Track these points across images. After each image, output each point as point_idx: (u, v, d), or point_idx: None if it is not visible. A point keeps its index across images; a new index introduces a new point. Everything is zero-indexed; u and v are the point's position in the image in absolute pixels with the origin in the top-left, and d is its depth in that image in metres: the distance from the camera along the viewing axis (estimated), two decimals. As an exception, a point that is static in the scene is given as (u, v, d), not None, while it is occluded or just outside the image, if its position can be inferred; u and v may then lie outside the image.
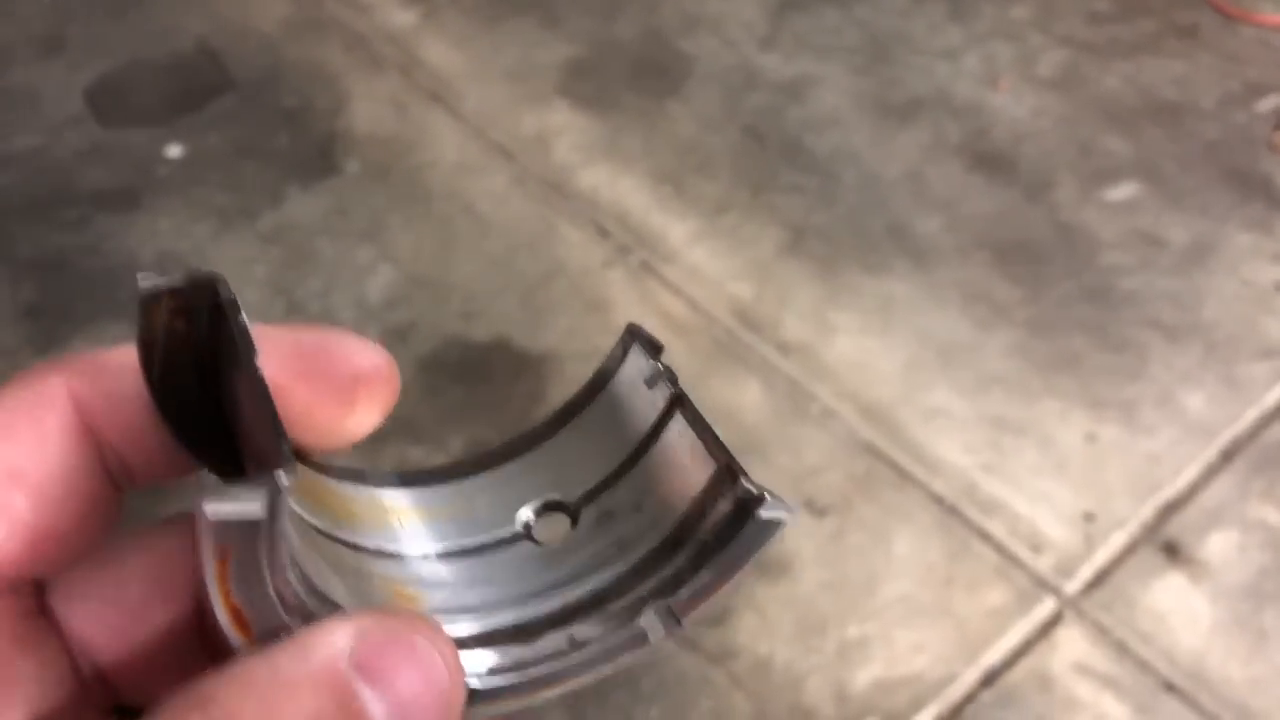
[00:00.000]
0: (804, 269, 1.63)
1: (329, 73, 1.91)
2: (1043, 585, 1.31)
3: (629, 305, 1.58)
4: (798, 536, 1.34)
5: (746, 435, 1.43)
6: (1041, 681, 1.24)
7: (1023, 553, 1.34)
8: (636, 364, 0.35)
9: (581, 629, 0.32)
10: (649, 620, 0.31)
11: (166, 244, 1.67)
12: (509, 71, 1.91)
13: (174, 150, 1.80)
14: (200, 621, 0.31)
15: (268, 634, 0.27)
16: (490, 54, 1.94)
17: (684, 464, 0.33)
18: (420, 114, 1.85)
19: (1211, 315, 1.57)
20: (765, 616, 1.29)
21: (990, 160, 1.77)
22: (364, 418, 0.31)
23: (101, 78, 1.91)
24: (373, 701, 0.26)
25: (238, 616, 0.26)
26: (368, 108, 1.86)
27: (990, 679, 1.25)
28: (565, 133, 1.82)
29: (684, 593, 0.31)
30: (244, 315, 0.29)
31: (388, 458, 1.41)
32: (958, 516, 1.37)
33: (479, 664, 0.31)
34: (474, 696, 0.30)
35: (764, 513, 0.31)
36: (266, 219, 1.70)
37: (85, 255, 1.66)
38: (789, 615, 1.29)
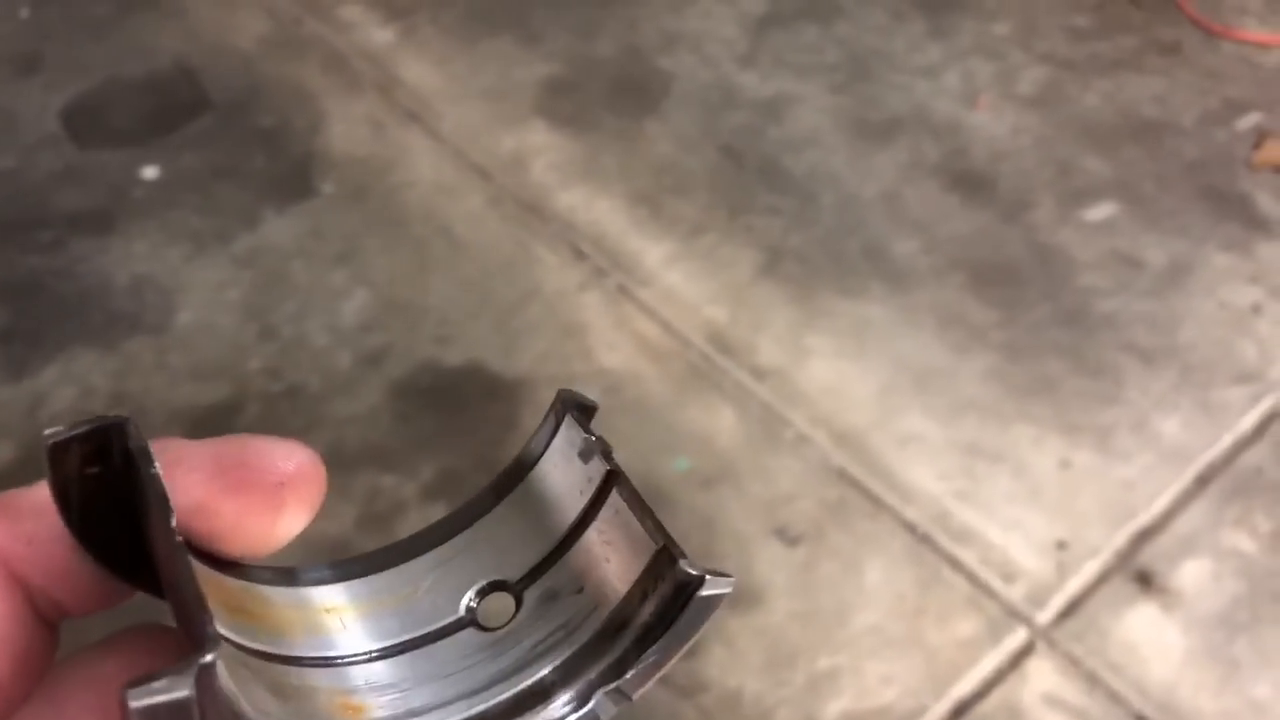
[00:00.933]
0: (780, 292, 1.62)
1: (307, 92, 1.91)
2: (1014, 615, 1.31)
3: (604, 329, 1.58)
4: (769, 566, 1.34)
5: (720, 462, 1.42)
6: (1012, 713, 1.24)
7: (995, 582, 1.33)
8: (569, 434, 0.34)
9: (531, 718, 0.32)
10: (600, 702, 0.32)
11: (141, 268, 1.66)
12: (487, 90, 1.91)
13: (149, 172, 1.79)
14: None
15: None
16: (469, 73, 1.93)
17: (622, 544, 0.33)
18: (398, 134, 1.85)
19: (1188, 338, 1.56)
20: (735, 648, 1.28)
21: (968, 180, 1.76)
22: (293, 521, 0.31)
23: (78, 98, 1.90)
24: None
25: None
26: (345, 128, 1.85)
27: (960, 711, 1.24)
28: (543, 152, 1.81)
29: (631, 673, 0.32)
30: (156, 466, 0.28)
31: (359, 487, 1.40)
32: (930, 545, 1.36)
33: None
34: None
35: (704, 591, 0.31)
36: (241, 242, 1.69)
37: (59, 279, 1.65)
38: (759, 647, 1.28)
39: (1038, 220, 1.71)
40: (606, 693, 0.32)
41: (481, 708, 0.32)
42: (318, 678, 0.32)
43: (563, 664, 0.33)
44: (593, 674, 0.32)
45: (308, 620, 0.33)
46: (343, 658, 0.33)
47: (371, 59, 1.96)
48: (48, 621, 0.30)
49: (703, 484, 1.40)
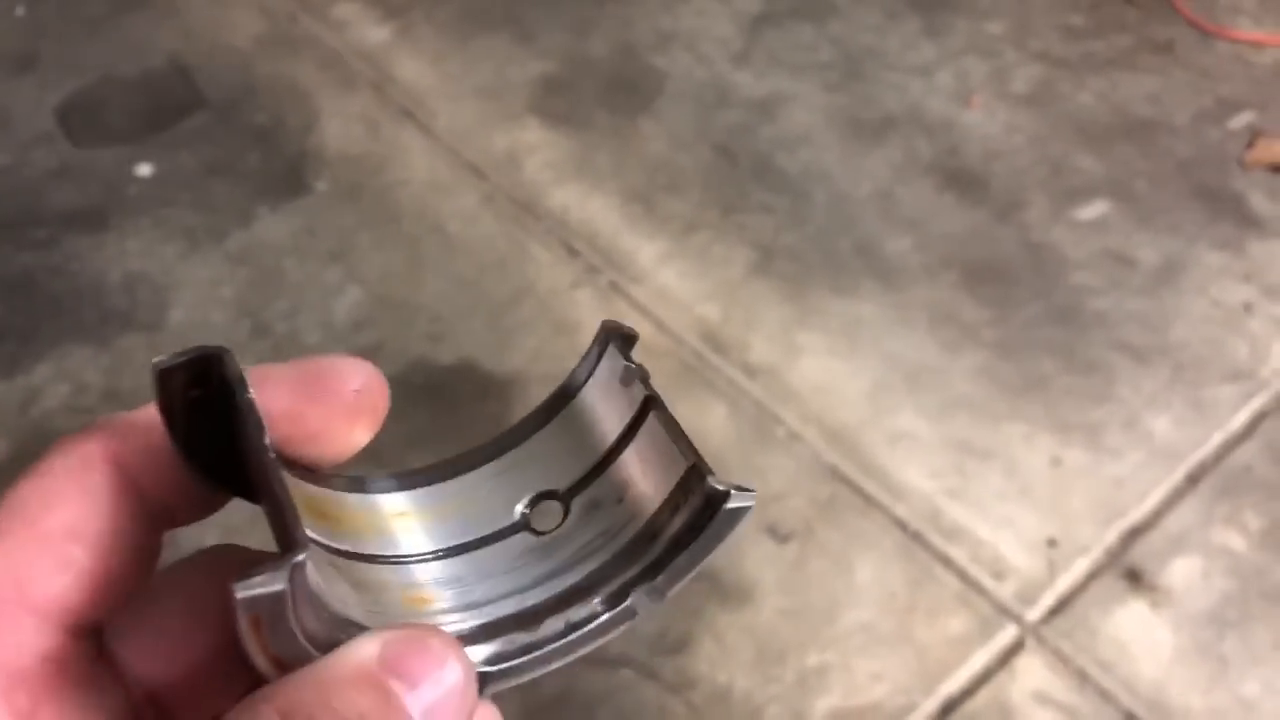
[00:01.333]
0: (772, 290, 1.62)
1: (301, 90, 1.91)
2: (1004, 613, 1.31)
3: (596, 326, 1.58)
4: (759, 563, 1.34)
5: (711, 459, 1.41)
6: (1001, 711, 1.24)
7: (985, 579, 1.33)
8: (611, 362, 0.39)
9: (576, 612, 0.35)
10: (636, 598, 0.35)
11: (135, 265, 1.66)
12: (482, 89, 1.91)
13: (144, 169, 1.79)
14: (237, 645, 0.35)
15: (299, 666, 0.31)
16: (463, 71, 1.94)
17: (657, 461, 0.36)
18: (392, 132, 1.85)
19: (1180, 336, 1.56)
20: (724, 644, 1.28)
21: (961, 179, 1.76)
22: (367, 425, 0.36)
23: (73, 95, 1.90)
24: (403, 693, 0.30)
25: (278, 663, 0.30)
26: (339, 125, 1.85)
27: (949, 708, 1.24)
28: (536, 151, 1.81)
29: (663, 576, 0.36)
30: (251, 391, 0.32)
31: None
32: (920, 542, 1.36)
33: (486, 652, 0.35)
34: (484, 680, 0.34)
35: (730, 504, 0.35)
36: (235, 239, 1.69)
37: (53, 276, 1.66)
38: (748, 643, 1.28)
39: (1030, 219, 1.71)
40: (642, 590, 0.36)
41: (531, 602, 0.36)
42: (389, 574, 0.36)
43: (603, 565, 0.37)
44: (629, 574, 0.36)
45: (379, 524, 0.37)
46: (410, 557, 0.37)
47: (366, 57, 1.96)
48: (155, 528, 0.35)
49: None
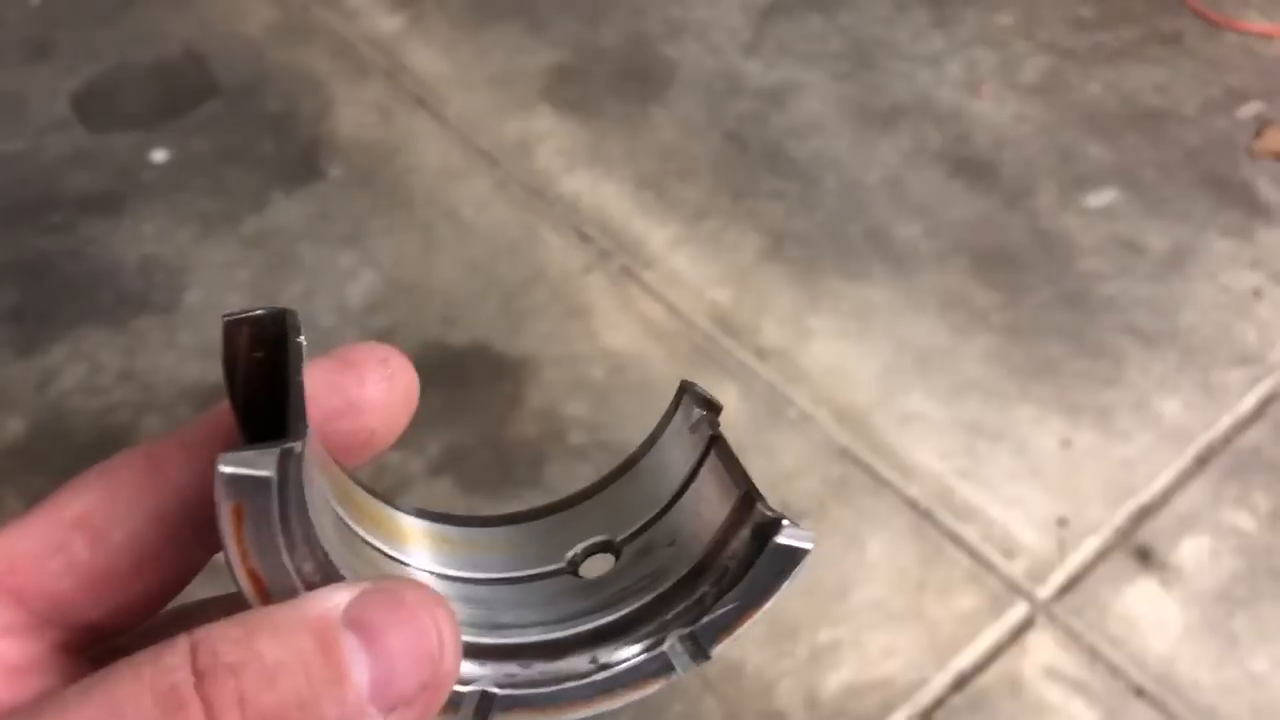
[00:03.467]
0: (783, 274, 1.63)
1: (314, 78, 1.92)
2: (1015, 590, 1.32)
3: (609, 311, 1.59)
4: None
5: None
6: (1012, 686, 1.25)
7: (995, 558, 1.34)
8: (685, 413, 0.36)
9: (606, 652, 0.33)
10: (674, 649, 0.32)
11: (150, 249, 1.67)
12: (493, 77, 1.92)
13: (159, 155, 1.81)
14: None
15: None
16: (475, 60, 1.95)
17: (714, 497, 0.34)
18: (404, 119, 1.86)
19: (1189, 321, 1.57)
20: (737, 620, 1.29)
21: (971, 166, 1.77)
22: (402, 386, 0.35)
23: (88, 83, 1.92)
24: (355, 651, 0.27)
25: (256, 582, 0.28)
26: (352, 113, 1.87)
27: (961, 683, 1.25)
28: (548, 138, 1.82)
29: (707, 621, 0.32)
30: (302, 337, 0.31)
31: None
32: (932, 521, 1.37)
33: (499, 672, 0.32)
34: (490, 702, 0.31)
35: (781, 539, 0.31)
36: (249, 224, 1.71)
37: (69, 259, 1.67)
38: (761, 619, 1.29)
39: (1040, 206, 1.72)
40: (682, 638, 0.32)
41: (561, 634, 0.34)
42: (415, 575, 0.34)
43: (643, 606, 0.34)
44: (668, 615, 0.33)
45: (423, 540, 0.35)
46: (443, 572, 0.35)
47: (378, 46, 1.97)
48: (199, 540, 0.33)
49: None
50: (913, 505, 1.39)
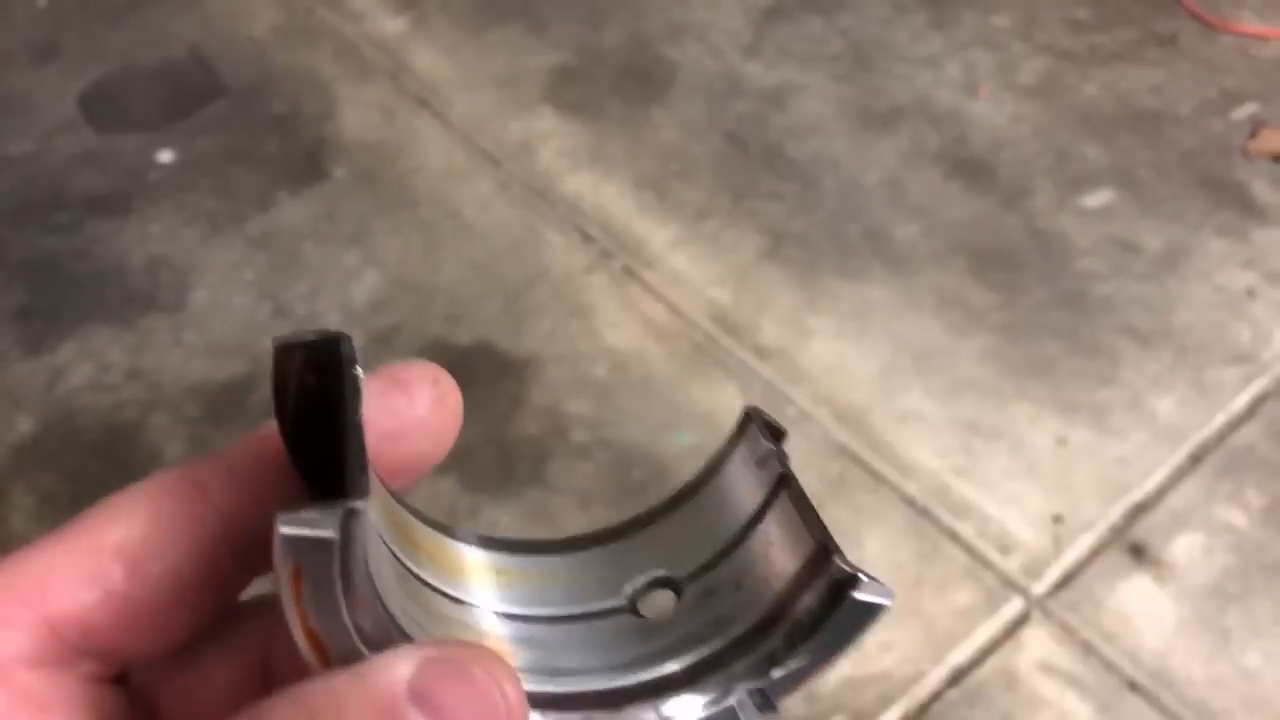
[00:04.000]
0: (783, 274, 1.65)
1: (319, 79, 1.94)
2: (1011, 586, 1.34)
3: (610, 310, 1.61)
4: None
5: (722, 438, 1.45)
6: (1007, 680, 1.27)
7: (992, 554, 1.36)
8: (751, 445, 0.35)
9: (670, 704, 0.31)
10: (741, 701, 0.31)
11: (156, 249, 1.69)
12: (496, 78, 1.94)
13: (165, 155, 1.82)
14: (262, 681, 0.32)
15: (343, 664, 0.27)
16: (478, 61, 1.97)
17: (784, 542, 0.33)
18: (408, 120, 1.88)
19: (1183, 321, 1.59)
20: (737, 616, 1.31)
21: (969, 167, 1.79)
22: (449, 403, 0.35)
23: (95, 84, 1.94)
24: None
25: (315, 643, 0.27)
26: (356, 114, 1.89)
27: (957, 677, 1.27)
28: (550, 139, 1.84)
29: (777, 674, 0.31)
30: (359, 368, 0.31)
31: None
32: (929, 518, 1.39)
33: None
34: None
35: (859, 595, 0.31)
36: (255, 224, 1.72)
37: (76, 259, 1.69)
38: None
39: (1037, 206, 1.74)
40: (750, 692, 0.31)
41: (622, 683, 0.32)
42: (473, 617, 0.33)
43: (710, 656, 0.32)
44: (738, 668, 0.32)
45: (479, 575, 0.34)
46: (502, 611, 0.34)
47: (382, 47, 1.99)
48: (235, 572, 0.32)
49: (705, 458, 1.43)
50: (910, 502, 1.41)
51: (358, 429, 0.29)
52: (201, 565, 0.31)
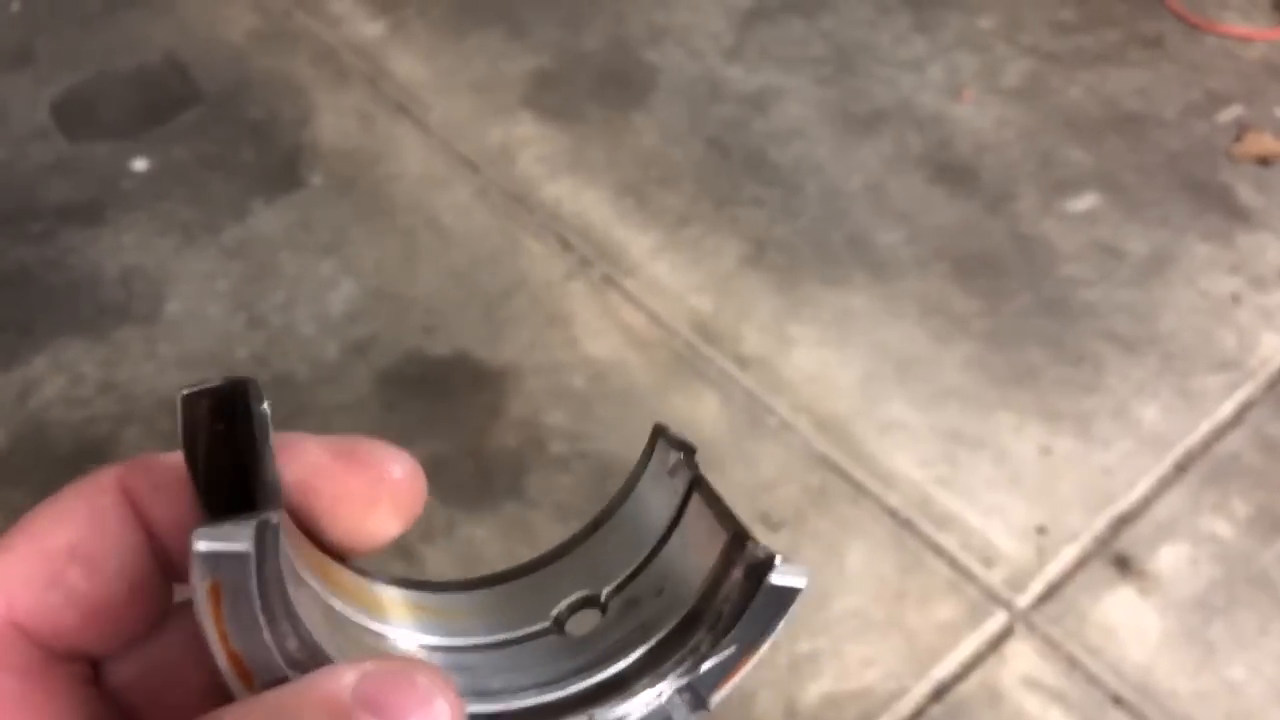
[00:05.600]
0: (764, 282, 1.63)
1: (296, 84, 1.92)
2: (994, 599, 1.32)
3: (590, 319, 1.59)
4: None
5: (703, 449, 1.41)
6: (991, 695, 1.25)
7: (975, 566, 1.35)
8: (660, 457, 0.35)
9: (602, 711, 0.32)
10: (673, 701, 0.31)
11: (130, 259, 1.67)
12: (475, 83, 1.92)
13: (140, 164, 1.80)
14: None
15: (270, 685, 0.27)
16: (457, 66, 1.95)
17: (701, 541, 0.33)
18: (386, 126, 1.86)
19: (1168, 327, 1.58)
20: (717, 631, 1.29)
21: (952, 171, 1.77)
22: (387, 521, 0.33)
23: (68, 90, 1.91)
24: None
25: (238, 664, 0.27)
26: (334, 120, 1.86)
27: (940, 693, 1.26)
28: (530, 144, 1.82)
29: (705, 670, 0.32)
30: (266, 405, 0.30)
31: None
32: (911, 530, 1.38)
33: None
34: None
35: (774, 578, 0.31)
36: (230, 233, 1.70)
37: (49, 269, 1.66)
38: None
39: (1020, 211, 1.72)
40: (680, 690, 0.31)
41: (554, 696, 0.33)
42: (388, 646, 0.33)
43: (639, 658, 0.33)
44: (666, 667, 0.32)
45: (400, 610, 0.34)
46: (426, 643, 0.34)
47: (360, 52, 1.97)
48: (165, 571, 0.32)
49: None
50: (892, 514, 1.39)
51: (269, 455, 0.29)
52: (147, 565, 0.32)
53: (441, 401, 1.51)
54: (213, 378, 0.31)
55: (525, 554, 0.36)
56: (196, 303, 1.62)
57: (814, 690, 1.25)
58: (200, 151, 1.82)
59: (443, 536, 1.36)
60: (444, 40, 1.99)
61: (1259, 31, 1.97)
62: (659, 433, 0.36)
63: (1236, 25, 1.99)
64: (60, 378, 1.54)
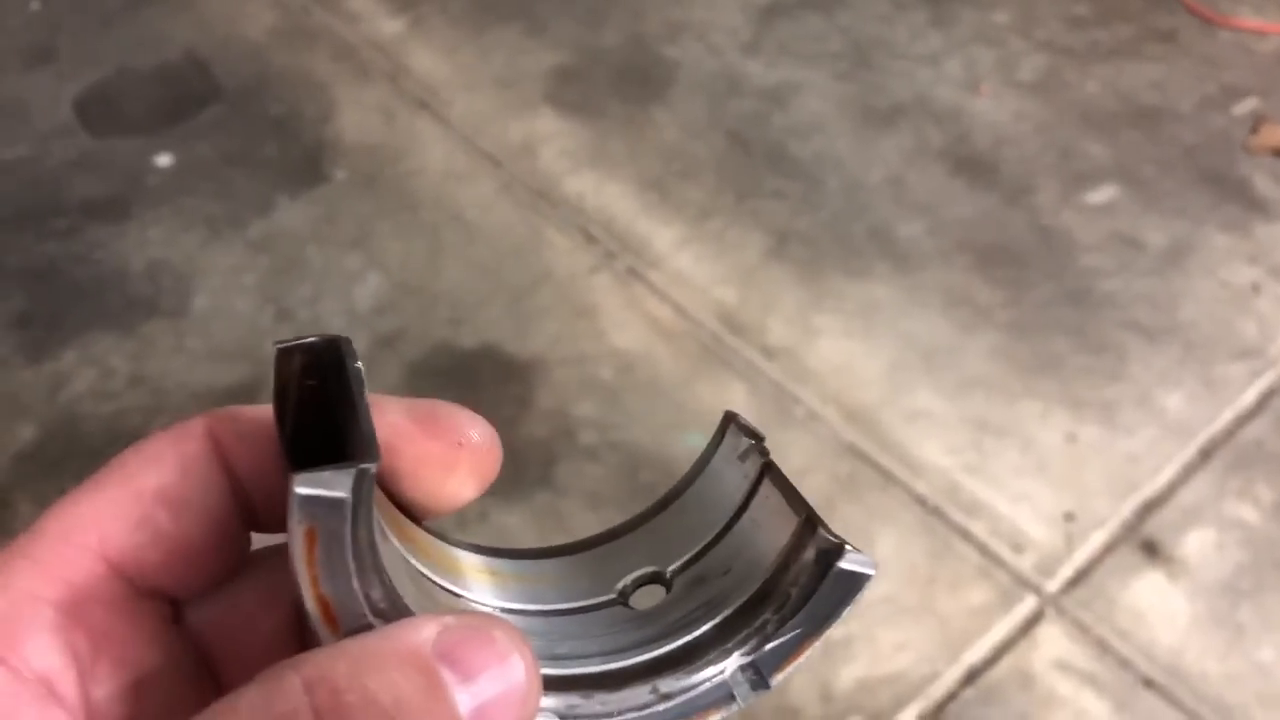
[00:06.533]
0: (788, 273, 1.65)
1: (317, 81, 1.93)
2: (1024, 584, 1.33)
3: (615, 311, 1.60)
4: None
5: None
6: (1023, 679, 1.27)
7: (1004, 552, 1.36)
8: (731, 442, 0.37)
9: (666, 682, 0.32)
10: (735, 678, 0.32)
11: (156, 253, 1.68)
12: (496, 79, 1.93)
13: (163, 159, 1.81)
14: (303, 630, 0.34)
15: (354, 632, 0.28)
16: (477, 62, 1.96)
17: (771, 524, 0.34)
18: (408, 122, 1.87)
19: (1189, 316, 1.59)
20: (751, 617, 1.30)
21: (971, 164, 1.79)
22: (465, 483, 0.34)
23: (91, 88, 1.92)
24: (454, 684, 0.27)
25: (325, 609, 0.28)
26: (356, 116, 1.87)
27: (972, 677, 1.27)
28: (552, 139, 1.83)
29: (769, 649, 0.32)
30: (360, 363, 0.31)
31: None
32: (940, 517, 1.39)
33: (562, 703, 0.32)
34: None
35: (844, 564, 0.31)
36: (255, 227, 1.71)
37: (75, 264, 1.67)
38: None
39: (1040, 203, 1.74)
40: (743, 668, 0.32)
41: (619, 664, 0.34)
42: (466, 606, 0.34)
43: (704, 634, 0.34)
44: (730, 644, 0.33)
45: (476, 575, 0.35)
46: (499, 605, 0.35)
47: (381, 49, 1.98)
48: (245, 517, 0.34)
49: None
50: (921, 501, 1.40)
51: (365, 409, 0.30)
52: (232, 511, 0.33)
53: (471, 393, 1.52)
54: (308, 334, 0.32)
55: (558, 542, 0.38)
56: (224, 296, 1.63)
57: (847, 674, 1.27)
58: (223, 147, 1.83)
59: (476, 525, 1.37)
60: (463, 37, 2.00)
61: (1273, 25, 1.99)
62: (730, 419, 0.37)
63: (1250, 19, 2.00)
64: (90, 371, 1.55)
